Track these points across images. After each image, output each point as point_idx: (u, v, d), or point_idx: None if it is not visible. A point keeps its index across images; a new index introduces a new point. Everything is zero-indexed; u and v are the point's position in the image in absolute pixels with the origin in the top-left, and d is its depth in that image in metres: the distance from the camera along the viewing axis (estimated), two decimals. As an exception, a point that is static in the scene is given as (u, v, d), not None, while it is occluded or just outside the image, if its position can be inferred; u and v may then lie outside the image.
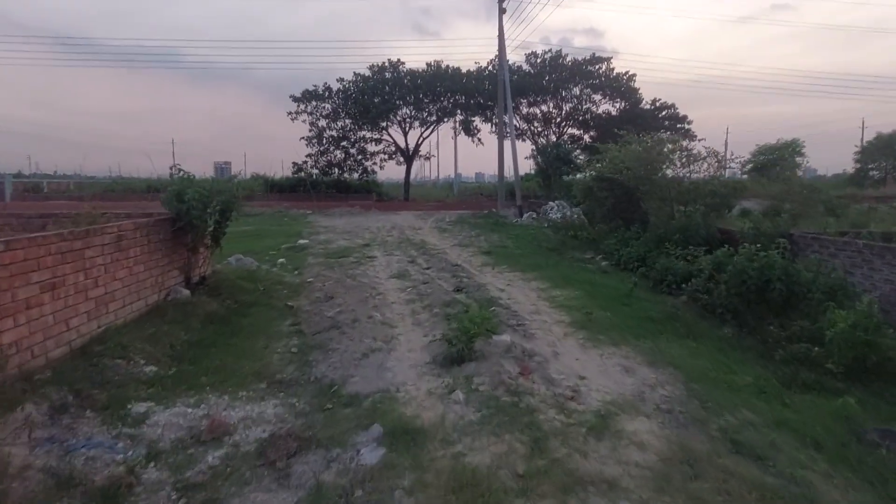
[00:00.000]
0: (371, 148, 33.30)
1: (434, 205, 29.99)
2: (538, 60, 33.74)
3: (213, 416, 3.67)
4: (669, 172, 11.29)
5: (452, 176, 53.67)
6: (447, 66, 31.79)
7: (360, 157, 33.15)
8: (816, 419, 3.98)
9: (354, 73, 31.68)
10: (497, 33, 24.22)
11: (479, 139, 33.50)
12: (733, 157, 12.39)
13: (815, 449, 3.59)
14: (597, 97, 34.26)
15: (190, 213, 6.02)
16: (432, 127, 33.59)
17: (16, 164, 64.78)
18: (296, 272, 9.42)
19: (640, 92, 33.80)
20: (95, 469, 2.97)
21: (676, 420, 3.77)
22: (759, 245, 6.76)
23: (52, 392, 3.60)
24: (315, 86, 31.49)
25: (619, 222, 12.40)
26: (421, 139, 33.75)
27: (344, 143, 32.71)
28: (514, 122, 29.89)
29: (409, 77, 31.27)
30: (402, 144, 33.41)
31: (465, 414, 3.69)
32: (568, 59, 33.29)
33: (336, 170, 33.20)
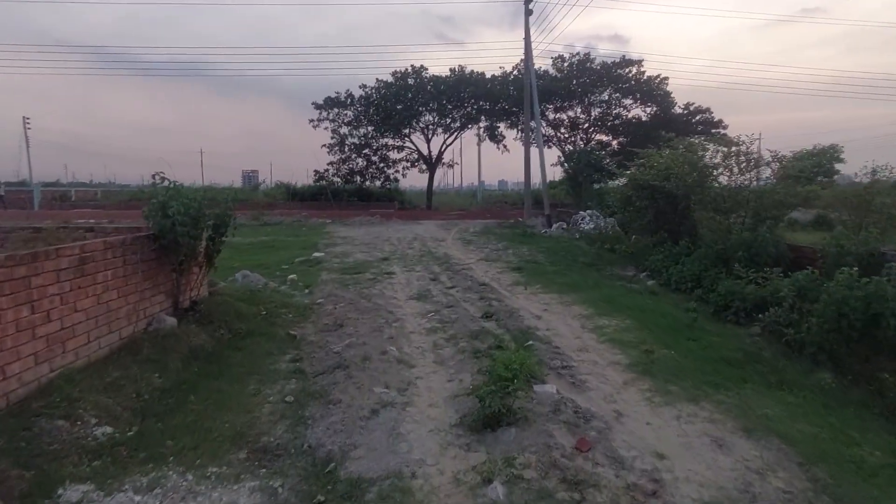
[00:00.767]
0: (393, 155, 32.59)
1: (457, 213, 29.01)
2: (565, 65, 32.54)
3: (163, 513, 2.70)
4: (724, 179, 10.03)
5: (476, 183, 52.73)
6: (471, 71, 30.90)
7: (382, 164, 32.45)
8: None
9: (377, 79, 31.07)
10: (523, 35, 23.21)
11: (505, 146, 32.41)
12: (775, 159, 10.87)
13: None
14: (627, 101, 32.87)
15: (175, 230, 5.13)
16: (456, 134, 32.71)
17: (54, 174, 66.71)
18: (306, 290, 8.52)
19: (672, 96, 32.26)
20: None
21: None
22: (853, 267, 5.52)
23: (-46, 475, 2.70)
24: (337, 92, 30.98)
25: (662, 235, 11.16)
26: (444, 146, 32.88)
27: (366, 151, 32.06)
28: (541, 127, 28.75)
29: (432, 83, 30.48)
30: (425, 152, 32.60)
31: (507, 519, 2.63)
32: (596, 62, 32.05)
33: (358, 178, 32.58)
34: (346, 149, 31.76)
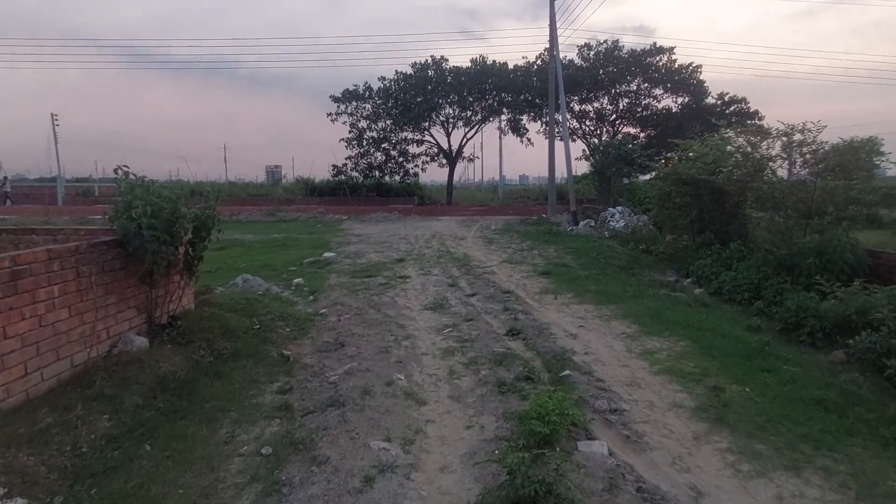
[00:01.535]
0: (413, 149, 31.72)
1: (478, 209, 27.96)
2: (591, 53, 31.07)
3: None
4: (782, 173, 8.80)
5: (497, 178, 51.48)
6: (493, 62, 29.73)
7: (401, 158, 31.61)
8: None
9: (396, 71, 30.19)
10: (547, 23, 21.91)
11: (528, 139, 31.16)
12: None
13: None
14: (657, 91, 31.24)
15: (142, 234, 4.30)
16: (476, 127, 31.61)
17: (86, 170, 67.87)
18: (311, 297, 7.69)
19: (706, 84, 30.47)
20: None
21: None
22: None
23: None
24: (355, 85, 30.21)
25: (708, 236, 9.97)
26: (465, 140, 31.83)
27: (385, 145, 31.26)
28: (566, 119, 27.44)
29: (452, 74, 29.39)
30: (445, 146, 31.62)
31: None
32: (624, 50, 30.45)
33: (377, 172, 31.79)
34: (365, 143, 31.00)
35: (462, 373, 4.76)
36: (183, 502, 2.85)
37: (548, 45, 23.85)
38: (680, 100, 31.21)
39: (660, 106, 31.46)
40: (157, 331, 4.92)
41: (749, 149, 8.68)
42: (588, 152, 30.17)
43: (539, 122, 31.36)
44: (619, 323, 6.27)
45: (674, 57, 30.09)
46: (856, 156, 7.67)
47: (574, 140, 32.72)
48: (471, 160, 38.73)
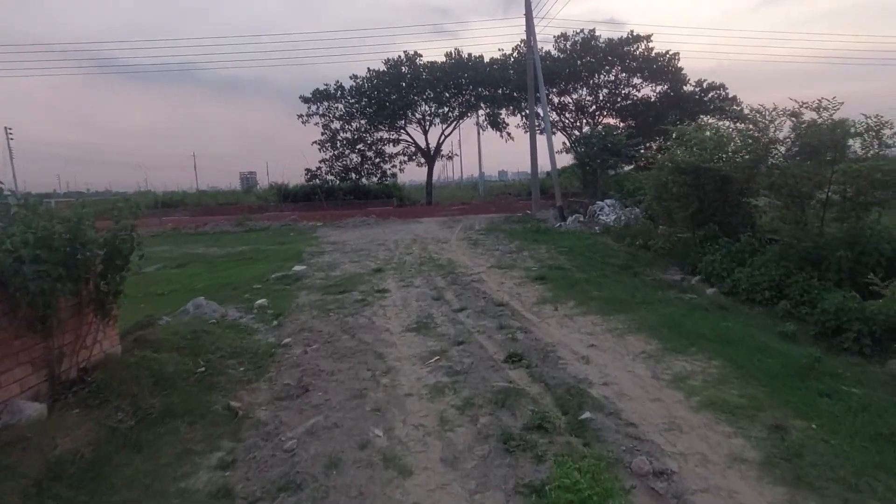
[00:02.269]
0: (389, 149, 30.65)
1: (459, 208, 27.02)
2: (568, 44, 30.42)
3: None
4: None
5: (476, 175, 50.60)
6: (469, 55, 28.81)
7: (377, 159, 30.50)
8: None
9: (368, 69, 29.06)
10: (523, 13, 21.04)
11: (509, 133, 30.34)
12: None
13: None
14: (636, 80, 30.71)
15: (22, 272, 3.23)
16: (454, 123, 30.66)
17: (50, 184, 64.90)
18: (274, 322, 6.64)
19: (684, 72, 30.03)
20: None
21: None
22: None
23: None
24: (326, 85, 28.98)
25: (712, 228, 9.20)
26: (442, 137, 30.86)
27: (360, 146, 30.10)
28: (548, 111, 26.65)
29: (427, 70, 28.39)
30: (423, 144, 30.61)
31: None
32: (601, 40, 29.82)
33: (353, 174, 30.64)
34: (339, 144, 29.81)
35: (456, 421, 3.79)
36: None
37: (524, 38, 23.05)
38: (659, 88, 30.76)
39: (640, 95, 30.95)
40: (64, 390, 3.84)
41: (757, 133, 7.88)
42: (570, 144, 29.50)
43: (518, 115, 30.62)
44: (635, 338, 5.37)
45: (651, 45, 29.62)
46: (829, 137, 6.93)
47: (555, 133, 32.04)
48: (450, 158, 37.89)
